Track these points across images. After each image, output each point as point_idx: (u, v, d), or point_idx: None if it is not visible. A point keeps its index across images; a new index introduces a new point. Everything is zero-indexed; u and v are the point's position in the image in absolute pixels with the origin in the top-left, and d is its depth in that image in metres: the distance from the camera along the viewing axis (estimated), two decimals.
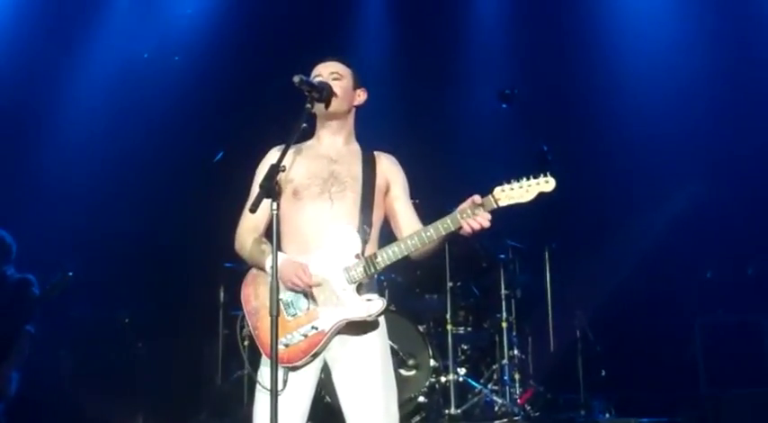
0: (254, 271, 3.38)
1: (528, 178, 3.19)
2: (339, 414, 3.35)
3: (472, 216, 3.17)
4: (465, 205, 3.21)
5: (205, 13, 8.23)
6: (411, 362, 5.89)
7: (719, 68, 7.56)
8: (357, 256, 3.26)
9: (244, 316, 3.33)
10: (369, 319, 3.25)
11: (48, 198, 7.23)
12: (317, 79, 3.44)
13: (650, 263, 7.45)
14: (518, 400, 6.43)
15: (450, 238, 3.28)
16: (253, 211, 3.12)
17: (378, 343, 3.33)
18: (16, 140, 7.44)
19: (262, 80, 7.30)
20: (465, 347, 6.72)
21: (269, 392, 2.98)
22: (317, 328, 3.23)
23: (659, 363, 7.01)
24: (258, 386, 3.25)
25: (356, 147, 3.56)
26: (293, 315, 3.25)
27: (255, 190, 3.27)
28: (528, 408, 6.41)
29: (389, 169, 3.53)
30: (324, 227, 3.31)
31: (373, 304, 3.24)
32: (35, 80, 7.65)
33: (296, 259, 3.25)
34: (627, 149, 7.70)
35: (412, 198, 3.57)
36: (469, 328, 6.72)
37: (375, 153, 3.55)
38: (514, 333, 6.77)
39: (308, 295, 3.25)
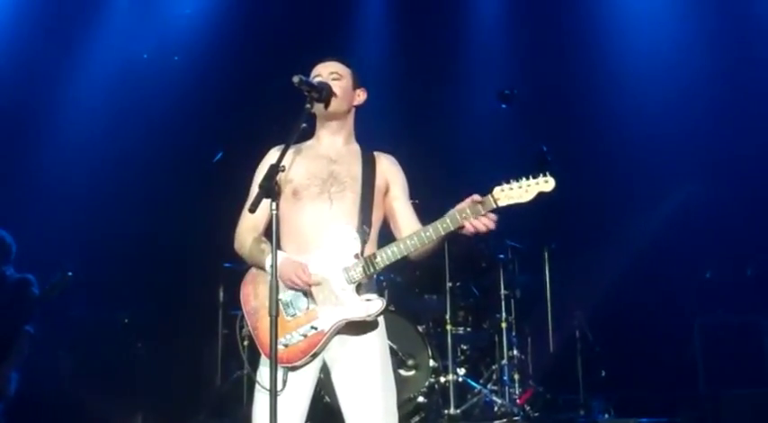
0: (253, 271, 3.38)
1: (527, 178, 3.19)
2: (338, 414, 3.35)
3: (474, 216, 3.17)
4: (464, 205, 3.21)
5: (204, 13, 8.23)
6: (410, 362, 5.88)
7: (719, 68, 7.56)
8: (356, 256, 3.26)
9: (243, 316, 3.33)
10: (368, 319, 3.25)
11: (48, 198, 7.23)
12: (317, 79, 3.44)
13: (649, 263, 7.46)
14: (517, 401, 6.43)
15: (449, 237, 3.28)
16: (252, 211, 3.12)
17: (377, 343, 3.33)
18: (16, 140, 7.45)
19: (261, 80, 7.30)
20: (464, 348, 6.72)
21: (268, 392, 2.98)
22: (316, 328, 3.23)
23: (659, 363, 7.01)
24: (257, 386, 3.25)
25: (356, 147, 3.56)
26: (292, 315, 3.25)
27: (255, 190, 3.28)
28: (527, 408, 6.41)
29: (389, 169, 3.53)
30: (323, 227, 3.31)
31: (373, 304, 3.24)
32: (35, 80, 7.65)
33: (295, 258, 3.25)
34: (627, 149, 7.70)
35: (412, 198, 3.56)
36: (469, 329, 6.71)
37: (375, 153, 3.55)
38: (514, 333, 6.76)
39: (307, 295, 3.25)
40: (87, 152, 7.55)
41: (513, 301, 6.79)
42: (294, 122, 3.27)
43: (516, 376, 6.63)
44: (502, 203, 3.18)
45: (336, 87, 3.43)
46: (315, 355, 3.25)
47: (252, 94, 7.63)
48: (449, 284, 6.38)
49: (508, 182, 3.19)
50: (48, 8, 7.77)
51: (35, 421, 6.28)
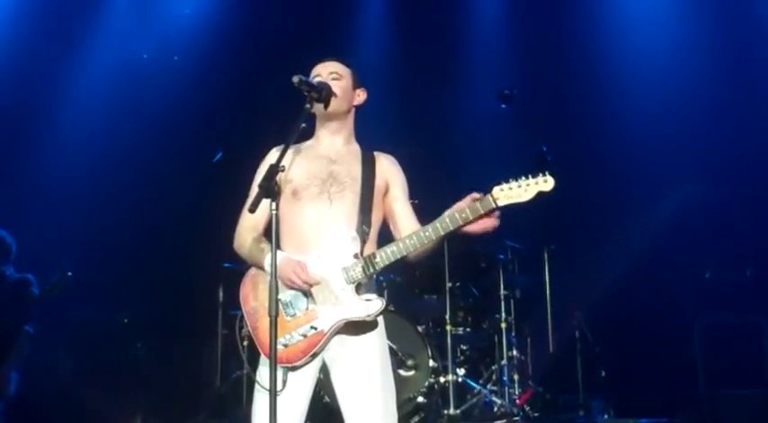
0: (252, 271, 3.37)
1: (526, 177, 3.19)
2: (338, 414, 3.35)
3: (473, 216, 3.17)
4: (463, 204, 3.21)
5: (204, 13, 8.23)
6: (410, 362, 5.88)
7: (719, 68, 7.56)
8: (356, 256, 3.26)
9: (242, 316, 3.33)
10: (368, 319, 3.24)
11: (48, 198, 7.23)
12: (317, 79, 3.43)
13: (649, 263, 7.45)
14: (517, 401, 6.43)
15: (448, 237, 3.28)
16: (252, 211, 3.12)
17: (376, 343, 3.33)
18: (16, 140, 7.45)
19: (261, 80, 7.30)
20: (464, 348, 6.72)
21: (268, 392, 2.98)
22: (315, 329, 3.23)
23: (658, 363, 7.01)
24: (257, 386, 3.24)
25: (356, 147, 3.56)
26: (292, 315, 3.25)
27: (255, 190, 3.28)
28: (527, 408, 6.41)
29: (389, 169, 3.53)
30: (323, 227, 3.31)
31: (372, 304, 3.24)
32: (35, 80, 7.66)
33: (294, 258, 3.25)
34: (626, 150, 7.69)
35: (411, 198, 3.56)
36: (468, 329, 6.71)
37: (375, 153, 3.54)
38: (513, 334, 6.76)
39: (306, 295, 3.25)
40: (87, 152, 7.55)
41: (512, 301, 6.79)
42: (294, 122, 3.27)
43: (516, 376, 6.63)
44: (501, 203, 3.18)
45: (336, 87, 3.43)
46: (314, 355, 3.25)
47: (252, 94, 7.63)
48: (448, 285, 6.38)
49: (507, 181, 3.19)
50: (47, 8, 7.78)
51: (35, 421, 6.28)
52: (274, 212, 3.08)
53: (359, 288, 3.27)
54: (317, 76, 3.48)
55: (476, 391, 6.29)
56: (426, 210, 3.45)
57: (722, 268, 7.30)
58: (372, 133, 3.67)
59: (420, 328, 6.11)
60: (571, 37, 8.01)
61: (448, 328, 6.28)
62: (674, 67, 7.73)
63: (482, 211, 3.19)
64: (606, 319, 7.21)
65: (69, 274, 5.59)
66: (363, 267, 3.24)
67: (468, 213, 3.19)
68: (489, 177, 3.22)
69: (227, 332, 6.76)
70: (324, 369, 3.37)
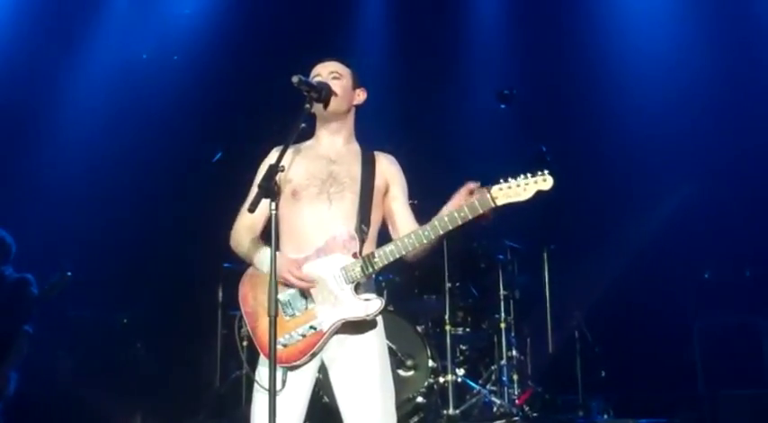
0: (251, 271, 3.37)
1: (525, 176, 3.18)
2: (337, 414, 3.34)
3: (473, 215, 3.17)
4: (460, 201, 3.21)
5: (204, 13, 8.24)
6: (409, 362, 5.88)
7: (719, 68, 7.57)
8: (354, 256, 3.26)
9: (242, 316, 3.33)
10: (367, 318, 3.24)
11: (48, 198, 7.24)
12: (316, 79, 3.43)
13: (648, 264, 7.46)
14: (516, 401, 6.43)
15: (447, 236, 3.28)
16: (251, 210, 3.12)
17: (375, 343, 3.33)
18: (16, 140, 7.45)
19: (261, 80, 7.30)
20: (463, 348, 6.71)
21: (267, 392, 2.97)
22: (315, 328, 3.23)
23: (657, 363, 7.01)
24: (256, 386, 3.24)
25: (356, 147, 3.55)
26: (291, 315, 3.25)
27: (255, 190, 3.27)
28: (526, 408, 6.41)
29: (389, 169, 3.52)
30: (322, 227, 3.31)
31: (371, 304, 3.24)
32: (35, 80, 7.66)
33: (289, 256, 3.25)
34: (626, 150, 7.70)
35: (411, 198, 3.56)
36: (468, 329, 6.71)
37: (375, 153, 3.54)
38: (513, 334, 6.76)
39: (306, 295, 3.25)
40: (87, 152, 7.56)
41: (512, 301, 6.79)
42: (294, 122, 3.27)
43: (515, 377, 6.62)
44: (500, 202, 3.18)
45: (336, 87, 3.42)
46: (314, 355, 3.25)
47: (251, 94, 7.63)
48: (448, 285, 6.37)
49: (506, 180, 3.18)
50: (47, 8, 7.78)
51: (35, 421, 6.28)
52: (274, 212, 3.08)
53: (358, 288, 3.26)
54: (317, 75, 3.47)
55: (475, 391, 6.29)
56: (426, 210, 3.45)
57: (721, 268, 7.31)
58: (372, 133, 3.66)
59: (419, 329, 6.11)
60: (571, 37, 8.01)
61: (447, 328, 6.28)
62: (673, 67, 7.73)
63: (481, 211, 3.19)
64: (606, 319, 7.21)
65: (69, 274, 5.60)
66: (362, 267, 3.24)
67: (467, 212, 3.18)
68: (489, 177, 3.22)
69: (227, 332, 6.76)
70: (323, 369, 3.37)
